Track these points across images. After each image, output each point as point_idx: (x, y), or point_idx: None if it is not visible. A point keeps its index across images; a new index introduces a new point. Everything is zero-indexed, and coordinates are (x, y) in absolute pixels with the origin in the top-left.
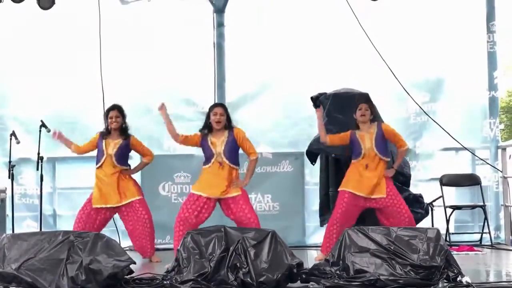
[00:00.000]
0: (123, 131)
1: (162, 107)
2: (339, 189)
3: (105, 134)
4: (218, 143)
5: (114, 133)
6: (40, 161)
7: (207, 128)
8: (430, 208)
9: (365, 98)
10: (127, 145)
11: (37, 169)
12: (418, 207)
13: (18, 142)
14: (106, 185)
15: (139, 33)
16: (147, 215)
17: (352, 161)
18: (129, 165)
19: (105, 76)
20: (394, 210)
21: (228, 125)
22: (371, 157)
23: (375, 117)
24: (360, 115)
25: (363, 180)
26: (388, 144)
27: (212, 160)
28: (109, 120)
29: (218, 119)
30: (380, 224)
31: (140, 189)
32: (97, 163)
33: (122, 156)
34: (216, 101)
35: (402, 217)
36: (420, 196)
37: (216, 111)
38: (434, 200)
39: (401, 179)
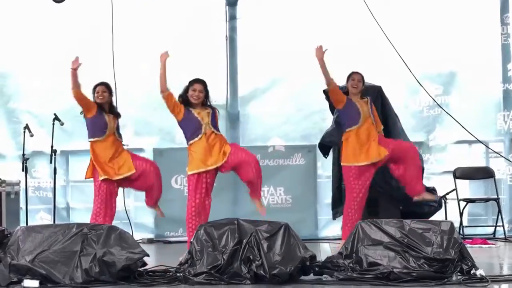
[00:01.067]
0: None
1: (165, 55)
2: (342, 164)
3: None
4: (204, 114)
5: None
6: (53, 154)
7: (184, 102)
8: (443, 201)
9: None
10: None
11: (51, 162)
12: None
13: (31, 135)
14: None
15: (151, 27)
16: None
17: (347, 130)
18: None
19: (118, 69)
20: (398, 153)
21: (206, 102)
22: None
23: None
24: (351, 86)
25: (363, 148)
26: None
27: (202, 131)
28: (96, 95)
29: (197, 95)
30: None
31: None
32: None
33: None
34: (229, 95)
35: (407, 152)
36: (434, 189)
37: (195, 87)
38: (447, 193)
39: None
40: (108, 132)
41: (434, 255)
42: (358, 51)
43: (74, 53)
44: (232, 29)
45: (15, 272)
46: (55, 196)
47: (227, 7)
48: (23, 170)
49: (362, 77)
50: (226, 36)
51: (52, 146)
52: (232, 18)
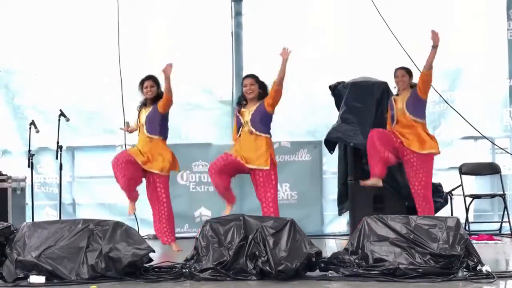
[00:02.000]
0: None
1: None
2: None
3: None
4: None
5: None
6: (59, 150)
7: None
8: (449, 197)
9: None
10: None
11: (56, 158)
12: (438, 196)
13: (37, 131)
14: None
15: (157, 22)
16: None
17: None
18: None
19: (124, 65)
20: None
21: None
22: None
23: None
24: (396, 83)
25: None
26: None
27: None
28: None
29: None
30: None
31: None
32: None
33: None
34: (234, 91)
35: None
36: (439, 185)
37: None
38: (453, 189)
39: None
40: None
41: (440, 251)
42: (364, 47)
43: (80, 49)
44: (238, 25)
45: (21, 268)
46: (61, 192)
47: (232, 3)
48: (29, 166)
49: (407, 71)
50: (232, 32)
51: (58, 142)
52: (238, 14)
